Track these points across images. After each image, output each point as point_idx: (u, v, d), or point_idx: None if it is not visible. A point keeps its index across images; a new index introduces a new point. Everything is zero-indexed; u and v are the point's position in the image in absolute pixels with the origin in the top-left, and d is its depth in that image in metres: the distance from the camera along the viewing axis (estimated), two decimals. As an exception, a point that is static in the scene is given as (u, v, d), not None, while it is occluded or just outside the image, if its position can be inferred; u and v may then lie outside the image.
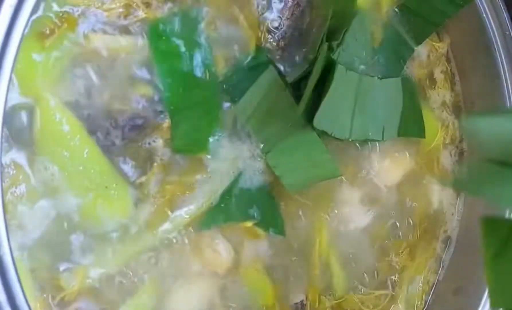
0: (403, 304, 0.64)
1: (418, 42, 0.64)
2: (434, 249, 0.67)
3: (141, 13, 0.53)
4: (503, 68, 0.63)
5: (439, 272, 0.67)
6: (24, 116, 0.49)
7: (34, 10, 0.46)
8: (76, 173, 0.50)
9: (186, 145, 0.55)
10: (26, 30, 0.46)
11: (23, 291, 0.45)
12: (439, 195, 0.67)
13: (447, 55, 0.67)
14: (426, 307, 0.66)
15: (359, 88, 0.58)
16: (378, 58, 0.62)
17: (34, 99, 0.49)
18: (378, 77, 0.60)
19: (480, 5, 0.62)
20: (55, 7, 0.50)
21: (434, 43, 0.66)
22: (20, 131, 0.49)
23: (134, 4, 0.53)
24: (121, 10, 0.52)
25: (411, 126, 0.63)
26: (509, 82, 0.63)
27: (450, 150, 0.68)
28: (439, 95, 0.67)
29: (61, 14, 0.50)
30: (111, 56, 0.52)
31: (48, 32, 0.49)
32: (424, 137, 0.65)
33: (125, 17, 0.53)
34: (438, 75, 0.67)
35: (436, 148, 0.67)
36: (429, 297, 0.66)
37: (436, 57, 0.67)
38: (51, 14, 0.49)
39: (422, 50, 0.66)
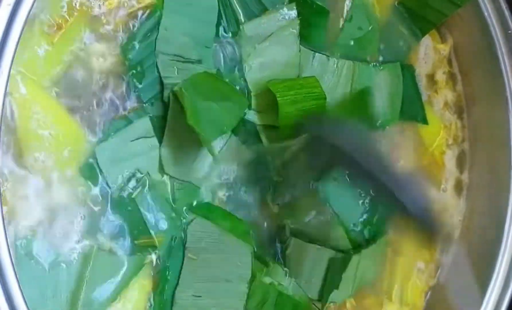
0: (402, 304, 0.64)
1: (417, 39, 0.64)
2: (435, 249, 0.66)
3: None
4: (505, 67, 0.63)
5: (440, 272, 0.67)
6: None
7: (35, 6, 0.46)
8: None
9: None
10: (26, 27, 0.45)
11: (22, 292, 0.45)
12: (441, 196, 0.67)
13: (449, 56, 0.67)
14: (426, 307, 0.66)
15: (354, 76, 0.59)
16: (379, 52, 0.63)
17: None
18: (374, 65, 0.60)
19: (482, 4, 0.62)
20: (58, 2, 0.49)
21: (436, 45, 0.66)
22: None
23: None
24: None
25: (412, 111, 0.64)
26: (511, 81, 0.63)
27: (453, 150, 0.68)
28: (441, 96, 0.67)
29: (64, 10, 0.49)
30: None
31: (56, 27, 0.49)
32: (427, 123, 0.65)
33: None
34: (440, 76, 0.67)
35: (438, 149, 0.67)
36: (430, 298, 0.66)
37: (439, 59, 0.67)
38: (54, 10, 0.49)
39: (424, 52, 0.66)
